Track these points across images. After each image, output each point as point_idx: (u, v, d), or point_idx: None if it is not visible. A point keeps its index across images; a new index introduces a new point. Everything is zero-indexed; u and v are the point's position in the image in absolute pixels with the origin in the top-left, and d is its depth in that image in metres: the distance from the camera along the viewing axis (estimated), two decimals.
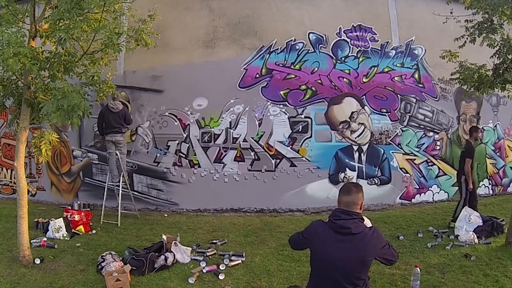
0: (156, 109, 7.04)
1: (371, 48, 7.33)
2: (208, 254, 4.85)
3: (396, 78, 7.45)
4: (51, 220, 5.65)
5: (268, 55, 6.98)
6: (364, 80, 7.28)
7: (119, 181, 6.45)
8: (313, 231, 2.52)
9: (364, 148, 7.34)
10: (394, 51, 7.45)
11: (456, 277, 4.21)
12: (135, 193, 7.05)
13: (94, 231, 5.81)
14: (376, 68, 7.34)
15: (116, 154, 6.44)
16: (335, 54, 7.17)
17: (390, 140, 7.48)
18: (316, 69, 7.08)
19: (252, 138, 6.99)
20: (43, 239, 5.22)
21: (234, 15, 7.01)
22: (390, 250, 2.46)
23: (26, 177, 4.86)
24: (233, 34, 6.99)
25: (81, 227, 5.76)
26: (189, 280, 4.13)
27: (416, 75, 7.64)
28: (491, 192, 8.62)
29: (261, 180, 7.00)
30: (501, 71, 5.02)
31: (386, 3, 7.48)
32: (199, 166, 7.00)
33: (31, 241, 4.87)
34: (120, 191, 6.40)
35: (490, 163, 8.59)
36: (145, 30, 5.67)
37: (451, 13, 5.41)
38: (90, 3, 4.13)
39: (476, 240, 5.28)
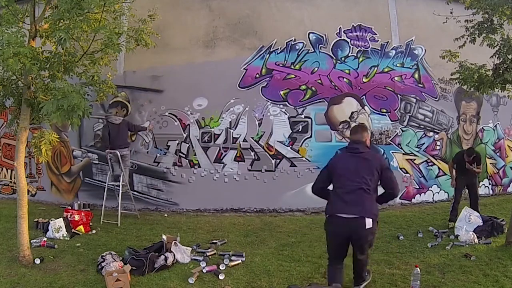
0: (156, 109, 7.04)
1: (371, 48, 7.33)
2: (208, 254, 4.84)
3: (396, 78, 7.45)
4: (51, 220, 5.64)
5: (268, 55, 6.97)
6: (364, 80, 7.28)
7: (119, 181, 6.45)
8: (334, 158, 3.72)
9: None
10: (394, 51, 7.45)
11: (456, 277, 4.20)
12: (135, 193, 7.05)
13: (94, 231, 5.81)
14: (376, 68, 7.33)
15: (120, 166, 6.37)
16: (335, 54, 7.17)
17: (390, 140, 7.48)
18: (316, 69, 7.08)
19: (252, 138, 6.98)
20: (43, 239, 5.21)
21: (234, 15, 7.01)
22: (392, 175, 3.50)
23: (26, 177, 4.85)
24: (233, 34, 6.99)
25: (81, 227, 5.76)
26: (189, 280, 4.12)
27: (416, 75, 7.64)
28: (491, 192, 8.62)
29: (261, 180, 7.00)
30: (501, 71, 5.01)
31: (386, 3, 7.48)
32: (199, 166, 7.00)
33: (31, 241, 4.86)
34: (120, 191, 6.41)
35: (490, 163, 8.59)
36: (145, 30, 5.65)
37: (451, 13, 5.40)
38: (90, 3, 4.12)
39: (476, 240, 5.27)
